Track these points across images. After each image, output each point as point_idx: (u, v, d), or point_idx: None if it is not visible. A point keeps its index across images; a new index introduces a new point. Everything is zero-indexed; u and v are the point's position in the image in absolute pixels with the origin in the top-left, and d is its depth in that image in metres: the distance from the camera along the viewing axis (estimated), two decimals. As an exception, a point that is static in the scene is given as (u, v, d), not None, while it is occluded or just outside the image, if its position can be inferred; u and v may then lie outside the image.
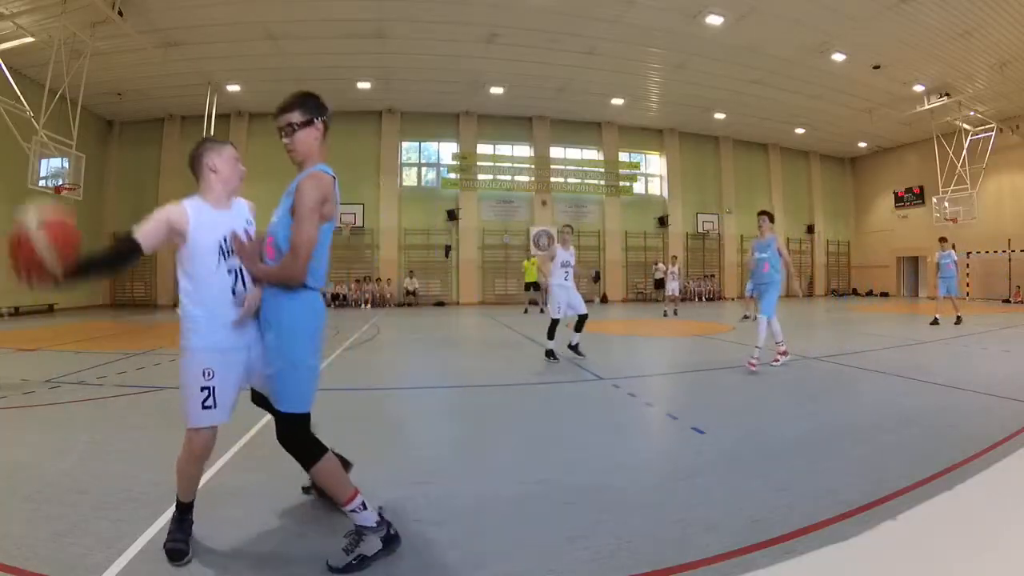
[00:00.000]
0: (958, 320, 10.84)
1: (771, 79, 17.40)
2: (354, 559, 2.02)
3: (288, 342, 2.09)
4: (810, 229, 25.80)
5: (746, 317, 12.66)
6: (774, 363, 6.24)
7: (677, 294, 16.12)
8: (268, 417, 4.09)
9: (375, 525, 2.08)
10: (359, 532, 2.07)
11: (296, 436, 2.12)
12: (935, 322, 10.86)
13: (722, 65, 16.35)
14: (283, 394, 2.10)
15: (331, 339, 9.49)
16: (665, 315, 14.73)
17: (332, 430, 4.00)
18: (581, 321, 7.19)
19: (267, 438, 3.68)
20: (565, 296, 7.07)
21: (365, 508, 2.09)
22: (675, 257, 17.17)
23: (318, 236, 2.07)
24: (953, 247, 11.71)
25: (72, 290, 17.49)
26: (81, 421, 4.21)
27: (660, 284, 21.37)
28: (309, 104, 2.17)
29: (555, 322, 7.03)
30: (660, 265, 21.83)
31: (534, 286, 16.56)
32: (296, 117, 2.14)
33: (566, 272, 7.13)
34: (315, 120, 2.17)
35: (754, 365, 5.91)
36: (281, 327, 2.10)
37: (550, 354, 6.87)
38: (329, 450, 2.15)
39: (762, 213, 6.63)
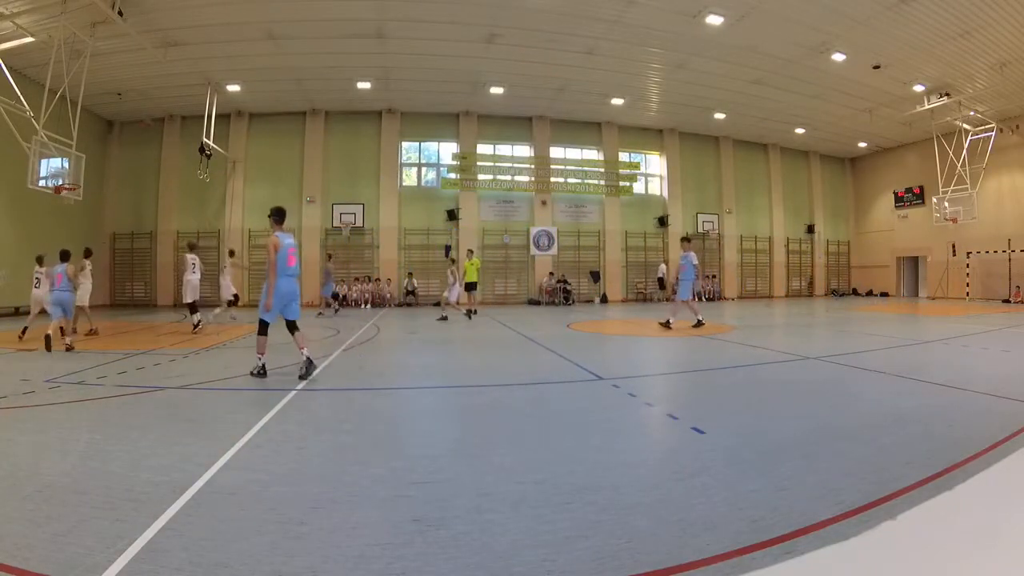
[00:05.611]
0: (698, 323, 10.70)
1: (771, 79, 17.40)
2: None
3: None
4: (810, 229, 25.81)
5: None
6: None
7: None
8: (267, 417, 4.13)
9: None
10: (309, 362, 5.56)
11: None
12: (695, 324, 10.70)
13: (722, 65, 16.35)
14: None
15: (331, 339, 9.50)
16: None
17: (332, 430, 4.04)
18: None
19: (267, 438, 3.70)
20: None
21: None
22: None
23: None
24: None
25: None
26: (81, 421, 4.20)
27: (663, 284, 21.36)
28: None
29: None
30: (663, 266, 21.83)
31: (473, 286, 15.38)
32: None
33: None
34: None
35: None
36: None
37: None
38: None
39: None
